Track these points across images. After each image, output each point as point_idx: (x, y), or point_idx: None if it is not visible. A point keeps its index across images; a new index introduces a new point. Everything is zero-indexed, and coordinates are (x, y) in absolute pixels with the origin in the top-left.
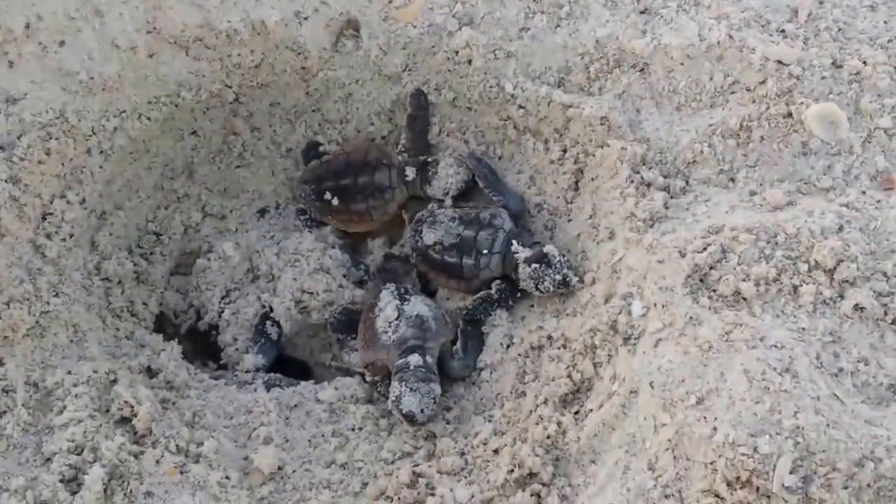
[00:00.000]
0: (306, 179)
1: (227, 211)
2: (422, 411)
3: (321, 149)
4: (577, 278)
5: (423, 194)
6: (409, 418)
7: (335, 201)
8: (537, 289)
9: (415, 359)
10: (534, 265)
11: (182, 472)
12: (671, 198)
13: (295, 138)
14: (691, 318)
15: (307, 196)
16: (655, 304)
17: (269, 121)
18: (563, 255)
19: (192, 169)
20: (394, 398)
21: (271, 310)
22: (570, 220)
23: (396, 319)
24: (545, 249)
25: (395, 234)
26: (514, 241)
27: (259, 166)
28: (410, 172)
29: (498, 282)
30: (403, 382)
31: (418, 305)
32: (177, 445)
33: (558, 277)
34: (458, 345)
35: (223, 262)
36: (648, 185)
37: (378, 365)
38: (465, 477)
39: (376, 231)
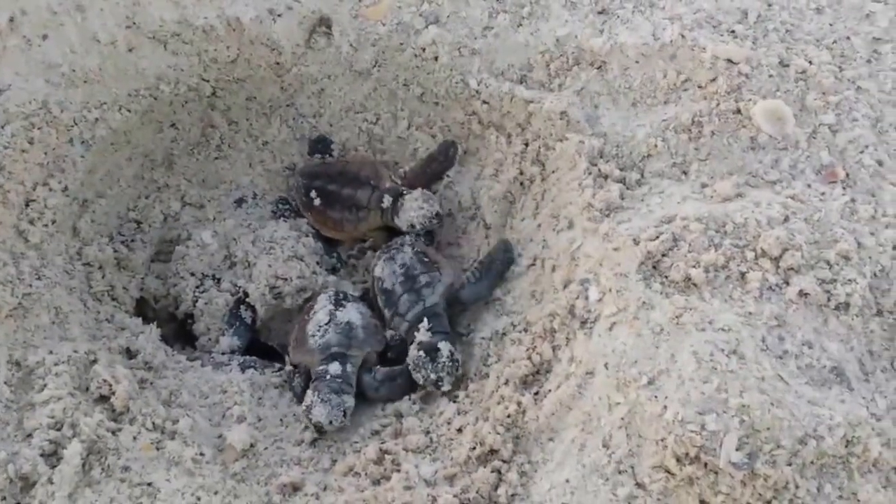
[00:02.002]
0: (303, 172)
1: (206, 200)
2: (330, 422)
3: (331, 146)
4: (449, 385)
5: (391, 223)
6: (317, 428)
7: (317, 202)
8: (412, 374)
9: (334, 367)
10: (420, 353)
11: (158, 449)
12: (627, 189)
13: (271, 132)
14: (644, 302)
15: (297, 187)
16: (611, 290)
17: (245, 114)
18: (453, 356)
19: (171, 160)
20: (305, 405)
21: (247, 295)
22: (531, 211)
23: (326, 324)
24: (439, 345)
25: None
26: (426, 319)
27: (236, 158)
28: (386, 200)
29: (394, 338)
30: (317, 392)
31: (351, 312)
32: (153, 423)
33: (432, 376)
34: (474, 269)
35: (201, 249)
36: (605, 177)
37: (303, 367)
38: (430, 454)
39: (345, 242)
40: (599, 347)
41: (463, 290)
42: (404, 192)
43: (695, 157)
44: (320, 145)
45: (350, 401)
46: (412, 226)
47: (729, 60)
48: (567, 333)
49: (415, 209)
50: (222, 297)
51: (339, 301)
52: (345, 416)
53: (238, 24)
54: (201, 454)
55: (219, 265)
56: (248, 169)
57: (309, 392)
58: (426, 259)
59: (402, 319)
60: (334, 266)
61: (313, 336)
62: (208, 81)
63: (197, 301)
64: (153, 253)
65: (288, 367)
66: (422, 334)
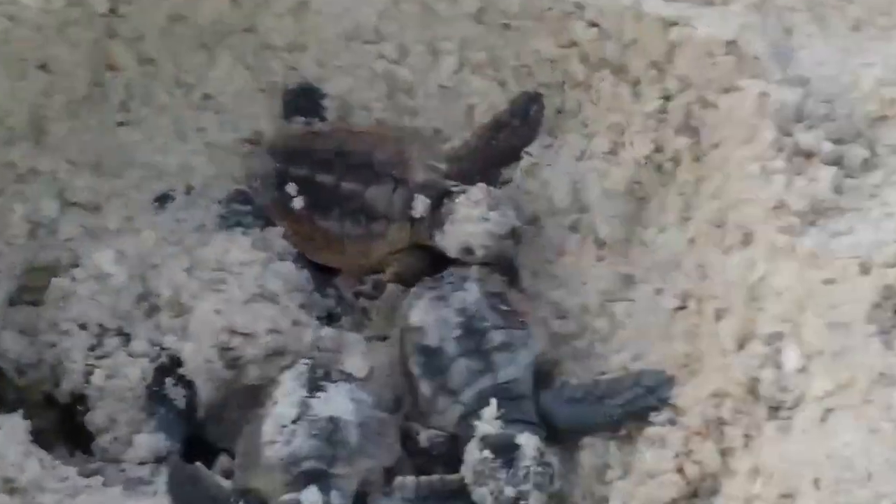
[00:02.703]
0: (276, 149)
1: (103, 198)
2: None
3: (322, 103)
4: (541, 501)
5: (430, 243)
6: None
7: (298, 201)
8: (471, 490)
9: (311, 496)
10: (485, 453)
11: None
12: (846, 177)
13: (216, 76)
14: (882, 374)
15: (265, 176)
16: (822, 352)
17: (170, 47)
18: (543, 457)
19: (41, 128)
20: None
21: (178, 363)
22: (677, 216)
23: (294, 422)
24: (519, 439)
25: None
26: (494, 402)
27: (155, 124)
28: (421, 205)
29: (438, 437)
30: None
31: (337, 401)
32: None
33: (508, 492)
34: (588, 386)
35: (97, 283)
36: (808, 155)
37: (254, 498)
38: None
39: (348, 272)
40: (805, 451)
41: (554, 400)
42: (453, 189)
43: None
44: (304, 101)
45: None
46: (468, 251)
47: None
48: (746, 427)
49: (473, 221)
50: (135, 365)
51: (315, 382)
52: None
53: None
54: None
55: (129, 311)
56: (175, 143)
57: None
58: (504, 307)
59: (455, 401)
60: (331, 311)
61: (273, 443)
62: None
63: (92, 374)
64: (13, 290)
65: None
66: (486, 423)
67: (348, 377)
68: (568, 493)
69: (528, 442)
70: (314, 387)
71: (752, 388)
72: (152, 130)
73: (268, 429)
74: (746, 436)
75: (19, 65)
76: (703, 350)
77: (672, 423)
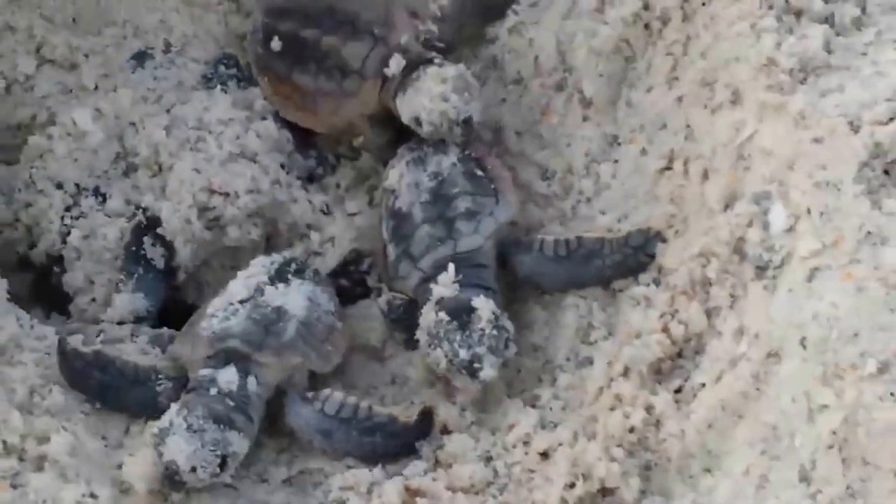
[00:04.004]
0: (267, 4)
1: (80, 56)
2: (193, 470)
3: None
4: (493, 371)
5: (390, 105)
6: (171, 477)
7: (281, 60)
8: (425, 353)
9: (227, 375)
10: (440, 315)
11: (14, 486)
12: (837, 35)
13: None
14: (870, 233)
15: (254, 30)
16: (810, 211)
17: None
18: (498, 320)
19: None
20: (157, 430)
21: (156, 222)
22: (665, 75)
23: (241, 302)
24: (475, 302)
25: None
26: (451, 267)
27: None
28: (395, 64)
29: (396, 299)
30: (184, 412)
31: (293, 296)
32: (3, 442)
33: (462, 354)
34: (563, 240)
35: (74, 141)
36: (798, 12)
37: (180, 365)
38: (494, 496)
39: (323, 136)
40: (791, 311)
41: (521, 253)
42: (434, 60)
43: None
44: None
45: (238, 443)
46: (417, 121)
47: None
48: (732, 287)
49: (432, 96)
50: (113, 225)
51: (282, 273)
52: (222, 466)
53: None
54: (91, 495)
55: (106, 170)
56: (154, 0)
57: (172, 409)
58: (479, 172)
59: (414, 266)
60: (311, 171)
61: (213, 316)
62: None
63: (69, 233)
64: None
65: (161, 362)
66: (443, 286)
67: (319, 280)
68: (549, 352)
69: (483, 305)
70: (279, 277)
71: (739, 248)
72: None
73: (216, 301)
74: (732, 296)
75: None
76: (689, 210)
77: (657, 283)
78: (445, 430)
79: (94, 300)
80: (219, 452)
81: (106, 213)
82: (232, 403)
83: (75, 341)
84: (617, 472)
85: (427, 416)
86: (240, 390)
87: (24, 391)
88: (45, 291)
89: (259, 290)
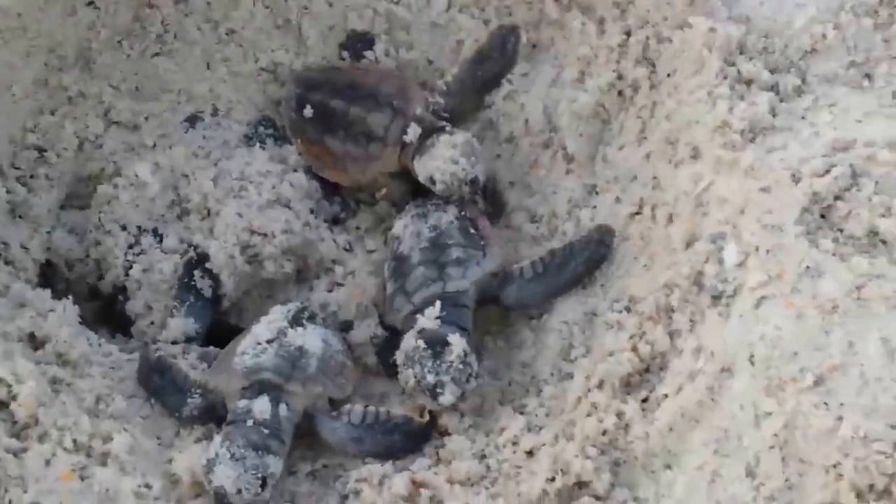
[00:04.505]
0: (299, 78)
1: (141, 118)
2: (238, 491)
3: (373, 45)
4: (452, 398)
5: (410, 166)
6: (219, 497)
7: (313, 125)
8: (399, 370)
9: (261, 405)
10: (418, 343)
11: (83, 478)
12: (781, 101)
13: (239, 15)
14: (808, 267)
15: (288, 99)
16: (758, 249)
17: None
18: (467, 358)
19: (89, 57)
20: (206, 461)
21: (205, 258)
22: (635, 135)
23: (268, 342)
24: (450, 338)
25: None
26: (438, 304)
27: (187, 55)
28: (412, 132)
29: (376, 337)
30: (227, 442)
31: (310, 337)
32: (74, 440)
33: (429, 378)
34: (537, 259)
35: (136, 190)
36: (749, 82)
37: (217, 396)
38: (487, 488)
39: (349, 190)
40: (741, 333)
41: (506, 285)
42: (446, 128)
43: (885, 55)
44: (359, 44)
45: (275, 465)
46: (431, 181)
47: None
48: (692, 313)
49: (444, 159)
50: (169, 260)
51: (298, 318)
52: (263, 486)
53: None
54: (146, 486)
55: (163, 214)
56: (205, 71)
57: (215, 439)
58: (472, 230)
59: (406, 300)
60: (336, 215)
61: (244, 354)
62: None
63: (131, 267)
64: (64, 196)
65: (193, 399)
66: (427, 319)
67: (330, 324)
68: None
69: (457, 342)
70: (296, 322)
71: (697, 281)
72: (184, 60)
73: (244, 342)
74: (691, 321)
75: (70, 2)
76: (656, 249)
77: (628, 310)
78: (446, 433)
79: (152, 323)
80: (259, 475)
81: (163, 250)
82: (266, 431)
83: (151, 350)
84: (591, 468)
85: (433, 418)
86: (272, 418)
87: (91, 399)
88: (110, 316)
89: (282, 332)
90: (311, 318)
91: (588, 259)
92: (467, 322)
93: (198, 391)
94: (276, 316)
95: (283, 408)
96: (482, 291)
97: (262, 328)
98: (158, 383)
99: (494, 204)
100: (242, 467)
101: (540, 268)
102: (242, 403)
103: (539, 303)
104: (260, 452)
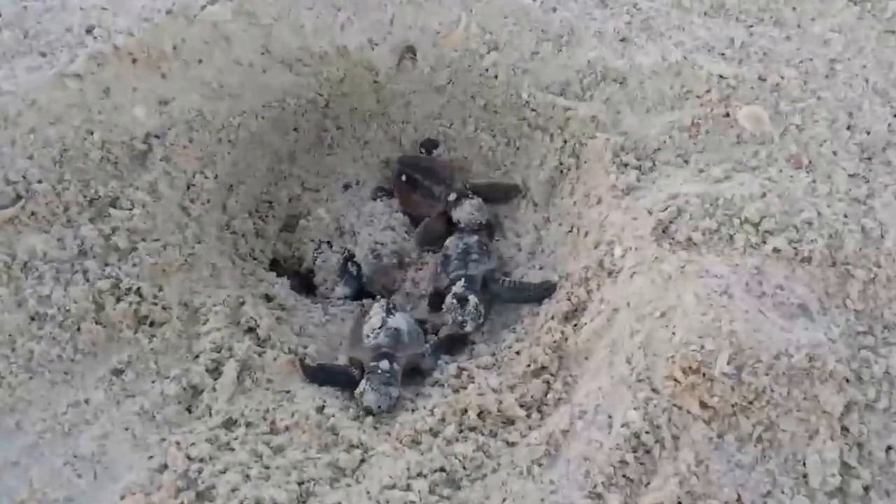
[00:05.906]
0: (402, 160)
1: (321, 186)
2: (378, 406)
3: (438, 146)
4: (472, 328)
5: (450, 213)
6: (368, 411)
7: (406, 187)
8: (445, 313)
9: (384, 364)
10: (453, 300)
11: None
12: (642, 174)
13: (370, 134)
14: (656, 257)
15: (394, 170)
16: (631, 248)
17: (350, 121)
18: (478, 307)
19: (294, 156)
20: (359, 392)
21: (353, 256)
22: (568, 191)
23: (379, 328)
24: (469, 296)
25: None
26: (463, 279)
27: (343, 154)
28: (452, 196)
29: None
30: (369, 382)
31: (399, 320)
32: (288, 348)
33: (459, 318)
34: (513, 280)
35: (318, 222)
36: (626, 165)
37: (357, 362)
38: (496, 370)
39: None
40: (623, 291)
41: (493, 283)
42: (470, 196)
43: (694, 150)
44: (429, 144)
45: (396, 391)
46: (459, 222)
47: (720, 76)
48: (598, 281)
49: (467, 212)
50: (335, 257)
51: (389, 310)
52: (391, 403)
53: (345, 51)
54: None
55: (332, 234)
56: (352, 163)
57: (363, 382)
58: (484, 247)
59: (446, 276)
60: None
61: (368, 337)
62: (322, 95)
63: (316, 260)
64: (282, 225)
65: (343, 362)
66: (457, 288)
67: (403, 308)
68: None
69: (472, 299)
70: (389, 312)
71: (601, 264)
72: (342, 157)
73: (366, 329)
74: (598, 285)
75: (285, 128)
76: (579, 249)
77: (566, 279)
78: (473, 343)
79: (327, 288)
80: (388, 398)
81: (332, 252)
82: (389, 376)
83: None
84: (548, 359)
85: (466, 335)
86: (391, 370)
87: (297, 327)
88: (305, 286)
89: (384, 321)
90: (396, 308)
91: (538, 294)
92: (478, 290)
93: (352, 368)
94: (378, 308)
95: (395, 365)
96: (484, 278)
97: (374, 320)
98: (324, 377)
99: (492, 233)
100: (380, 394)
101: (510, 285)
102: (373, 364)
103: (508, 301)
104: (387, 386)
